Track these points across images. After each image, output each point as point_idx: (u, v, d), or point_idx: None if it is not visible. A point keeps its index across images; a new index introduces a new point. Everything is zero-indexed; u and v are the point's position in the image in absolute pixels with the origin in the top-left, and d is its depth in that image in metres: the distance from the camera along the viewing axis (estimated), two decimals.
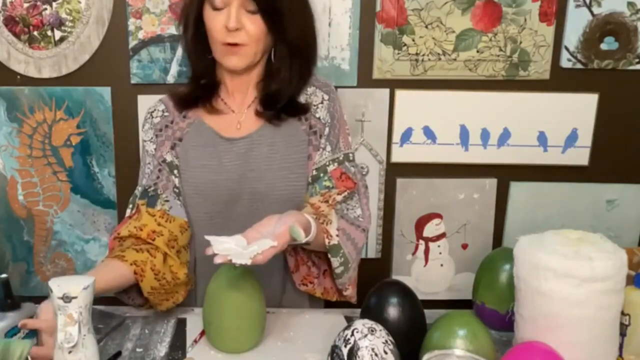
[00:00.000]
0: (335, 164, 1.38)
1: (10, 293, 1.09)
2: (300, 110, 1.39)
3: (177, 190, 1.38)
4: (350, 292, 1.39)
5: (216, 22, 1.30)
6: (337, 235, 1.28)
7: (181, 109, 1.41)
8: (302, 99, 1.40)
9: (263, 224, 1.19)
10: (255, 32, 1.30)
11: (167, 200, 1.36)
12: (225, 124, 1.39)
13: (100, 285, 1.13)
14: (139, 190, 1.39)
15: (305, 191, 1.37)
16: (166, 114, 1.42)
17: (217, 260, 1.08)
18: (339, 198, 1.35)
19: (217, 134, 1.39)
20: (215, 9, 1.30)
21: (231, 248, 1.11)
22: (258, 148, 1.37)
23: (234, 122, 1.40)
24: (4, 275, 1.09)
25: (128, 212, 1.39)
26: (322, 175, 1.37)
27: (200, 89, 1.41)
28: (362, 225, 1.37)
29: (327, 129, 1.39)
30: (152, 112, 1.44)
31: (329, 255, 1.29)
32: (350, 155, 1.41)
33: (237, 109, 1.41)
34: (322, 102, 1.40)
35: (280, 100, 1.37)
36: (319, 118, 1.39)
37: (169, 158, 1.39)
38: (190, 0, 1.35)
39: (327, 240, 1.27)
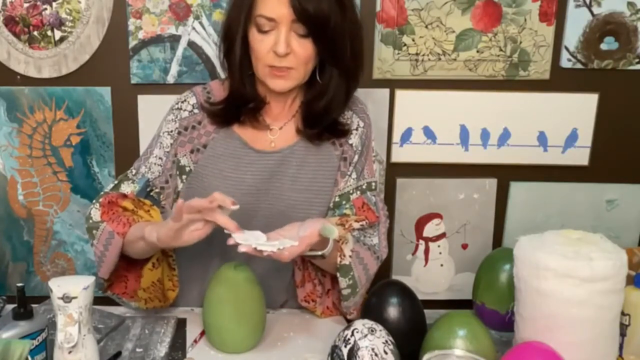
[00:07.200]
0: (358, 192, 1.36)
1: (24, 302, 1.09)
2: (342, 132, 1.36)
3: (174, 196, 1.37)
4: (354, 317, 1.34)
5: (263, 45, 1.24)
6: (349, 256, 1.27)
7: (218, 125, 1.35)
8: (341, 121, 1.37)
9: (286, 229, 1.19)
10: (304, 55, 1.24)
11: (163, 207, 1.36)
12: (257, 136, 1.36)
13: (138, 233, 1.22)
14: (138, 178, 1.35)
15: (325, 216, 1.36)
16: (196, 111, 1.36)
17: (242, 249, 1.09)
18: (356, 225, 1.33)
19: (247, 145, 1.35)
20: (263, 31, 1.24)
21: (251, 240, 1.11)
22: (286, 165, 1.34)
23: (267, 135, 1.36)
24: (19, 284, 1.10)
25: (110, 186, 1.36)
26: (344, 202, 1.36)
27: (239, 105, 1.34)
28: (377, 253, 1.35)
29: (356, 157, 1.37)
30: (182, 102, 1.37)
31: (338, 275, 1.27)
32: (373, 184, 1.39)
33: (273, 123, 1.37)
34: (356, 129, 1.38)
35: (326, 120, 1.34)
36: (351, 145, 1.37)
37: (183, 162, 1.36)
38: (233, 20, 1.28)
39: (339, 259, 1.26)
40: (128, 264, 1.32)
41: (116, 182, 1.36)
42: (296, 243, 1.12)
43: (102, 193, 1.35)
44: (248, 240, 1.11)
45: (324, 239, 1.17)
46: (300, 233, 1.15)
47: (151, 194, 1.36)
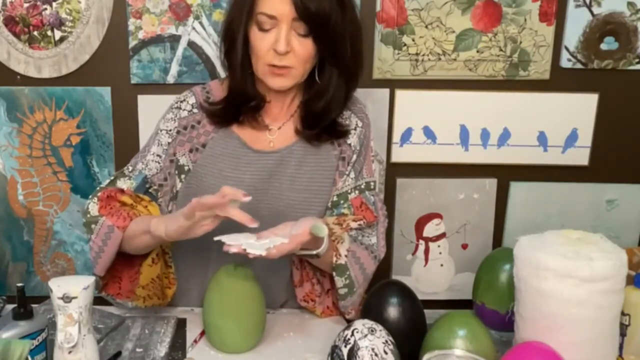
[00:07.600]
0: (357, 192, 1.36)
1: (24, 302, 1.09)
2: (341, 133, 1.36)
3: (171, 194, 1.36)
4: (353, 317, 1.34)
5: (264, 43, 1.24)
6: (345, 256, 1.27)
7: (217, 125, 1.35)
8: (339, 122, 1.37)
9: (279, 227, 1.19)
10: (304, 55, 1.25)
11: (159, 204, 1.35)
12: (256, 136, 1.36)
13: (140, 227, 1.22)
14: (135, 174, 1.34)
15: (323, 216, 1.36)
16: (195, 110, 1.36)
17: (232, 249, 1.10)
18: (354, 225, 1.32)
19: (245, 145, 1.35)
20: (263, 30, 1.24)
21: (241, 240, 1.12)
22: (285, 165, 1.34)
23: (265, 135, 1.36)
24: (19, 284, 1.10)
25: (106, 182, 1.35)
26: (342, 202, 1.35)
27: (239, 105, 1.34)
28: (375, 252, 1.35)
29: (354, 156, 1.37)
30: (182, 102, 1.37)
31: (334, 275, 1.28)
32: (372, 183, 1.38)
33: (272, 123, 1.37)
34: (355, 129, 1.38)
35: (325, 121, 1.34)
36: (349, 144, 1.37)
37: (182, 161, 1.35)
38: (234, 18, 1.28)
39: (334, 259, 1.26)
40: (124, 263, 1.32)
41: (112, 178, 1.36)
42: (286, 240, 1.12)
43: (97, 189, 1.35)
44: (238, 240, 1.12)
45: (318, 238, 1.17)
46: (293, 232, 1.15)
47: (149, 190, 1.35)
